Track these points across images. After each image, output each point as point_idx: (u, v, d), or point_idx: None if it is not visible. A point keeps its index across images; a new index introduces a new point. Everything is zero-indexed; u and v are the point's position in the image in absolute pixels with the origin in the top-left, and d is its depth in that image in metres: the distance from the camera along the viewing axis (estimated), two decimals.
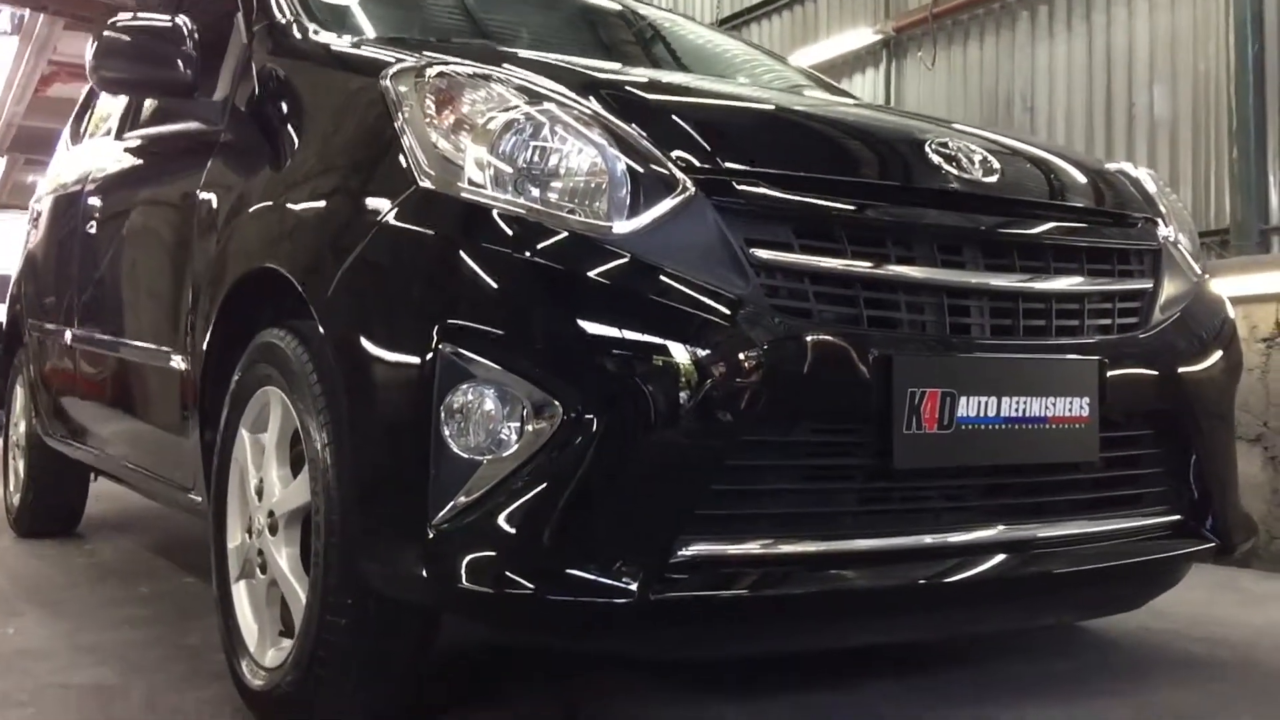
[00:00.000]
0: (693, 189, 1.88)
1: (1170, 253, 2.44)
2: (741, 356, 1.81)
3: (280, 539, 2.12)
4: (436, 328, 1.78)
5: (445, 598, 1.80)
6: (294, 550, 2.10)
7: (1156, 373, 2.29)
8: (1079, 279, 2.21)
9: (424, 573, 1.77)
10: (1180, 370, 2.33)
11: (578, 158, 1.88)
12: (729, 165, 1.92)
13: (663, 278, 1.81)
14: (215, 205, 2.54)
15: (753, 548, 1.85)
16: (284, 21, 2.60)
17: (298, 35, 2.55)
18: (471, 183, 1.87)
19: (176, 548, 4.11)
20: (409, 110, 1.96)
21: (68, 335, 3.74)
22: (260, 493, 2.20)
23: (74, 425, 3.80)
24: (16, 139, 18.15)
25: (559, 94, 1.97)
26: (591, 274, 1.80)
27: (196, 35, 2.67)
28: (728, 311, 1.82)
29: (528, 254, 1.80)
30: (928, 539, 2.01)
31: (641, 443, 1.78)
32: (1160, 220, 2.47)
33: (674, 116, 2.00)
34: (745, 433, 1.84)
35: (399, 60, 2.11)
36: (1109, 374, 2.17)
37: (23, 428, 4.52)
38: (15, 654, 2.74)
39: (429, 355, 1.77)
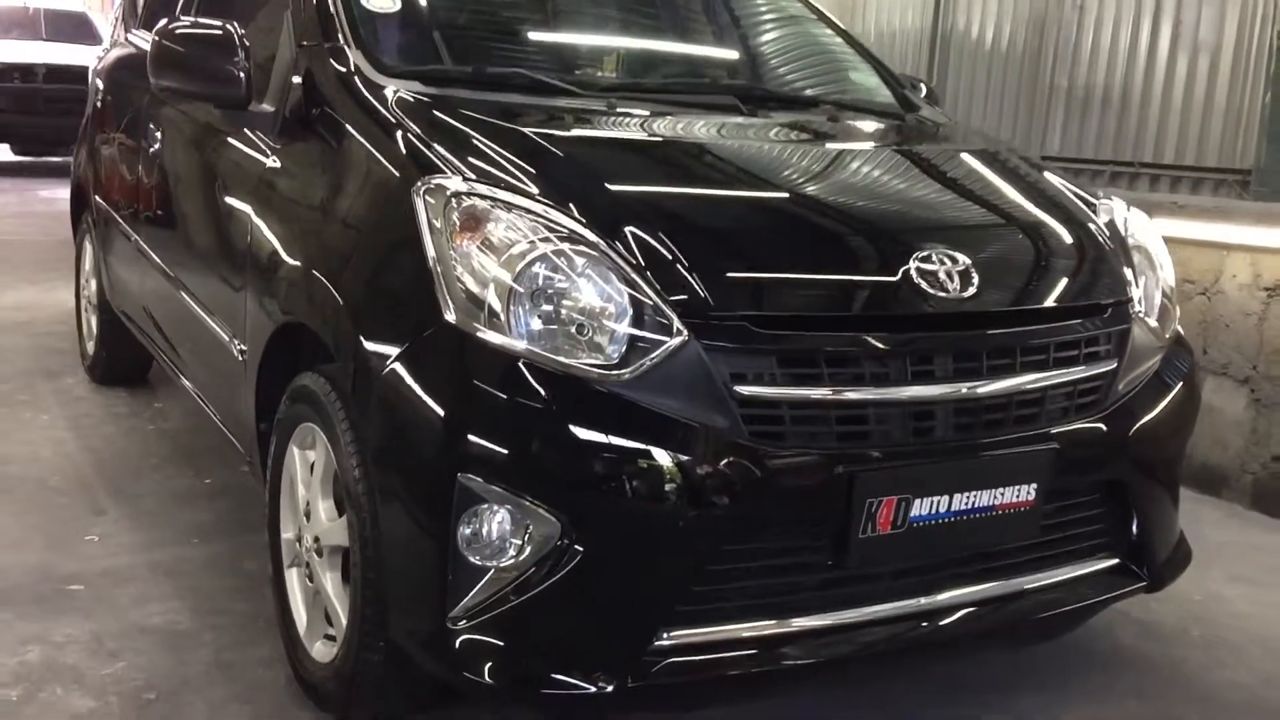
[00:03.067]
0: (686, 335, 2.10)
1: (1138, 328, 2.61)
2: (720, 484, 2.08)
3: (325, 563, 2.47)
4: (455, 455, 2.07)
5: (454, 679, 2.16)
6: (337, 575, 2.46)
7: (1107, 449, 2.52)
8: (1043, 374, 2.41)
9: (437, 657, 2.14)
10: (1131, 442, 2.55)
11: (592, 299, 2.10)
12: (720, 311, 2.13)
13: (653, 419, 2.07)
14: (269, 224, 2.75)
15: (721, 631, 2.18)
16: (329, 47, 2.74)
17: (341, 68, 2.69)
18: (491, 313, 2.09)
19: None
20: (438, 237, 2.17)
21: (134, 238, 4.02)
22: (308, 514, 2.54)
23: (138, 313, 4.12)
24: None
25: (578, 234, 2.15)
26: (592, 416, 2.06)
27: (248, 42, 2.82)
28: (709, 446, 2.08)
29: (538, 396, 2.05)
30: (877, 610, 2.33)
31: (630, 560, 2.09)
32: (1132, 293, 2.63)
33: (680, 252, 2.17)
34: (722, 544, 2.14)
35: (432, 172, 2.28)
36: (1059, 458, 2.41)
37: (93, 285, 4.86)
38: (101, 575, 3.18)
39: (449, 478, 2.06)
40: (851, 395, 2.19)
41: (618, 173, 2.43)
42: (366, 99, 2.59)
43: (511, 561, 2.07)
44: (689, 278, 2.15)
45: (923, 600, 2.39)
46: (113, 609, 3.00)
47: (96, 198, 4.60)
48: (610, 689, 2.10)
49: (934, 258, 2.34)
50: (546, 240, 2.14)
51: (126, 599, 3.06)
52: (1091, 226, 2.73)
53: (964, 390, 2.30)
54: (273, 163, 2.82)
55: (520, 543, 2.07)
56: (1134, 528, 2.64)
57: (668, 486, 2.07)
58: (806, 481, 2.17)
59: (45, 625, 2.88)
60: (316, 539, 2.50)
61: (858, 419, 2.21)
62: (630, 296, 2.11)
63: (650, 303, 2.11)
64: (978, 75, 5.53)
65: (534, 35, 3.18)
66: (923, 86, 3.74)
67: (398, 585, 2.20)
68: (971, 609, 2.44)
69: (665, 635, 2.14)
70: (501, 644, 2.10)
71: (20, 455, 4.10)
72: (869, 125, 3.14)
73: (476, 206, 2.19)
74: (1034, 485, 2.39)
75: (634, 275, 2.13)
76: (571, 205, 2.22)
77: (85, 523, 3.53)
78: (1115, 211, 2.87)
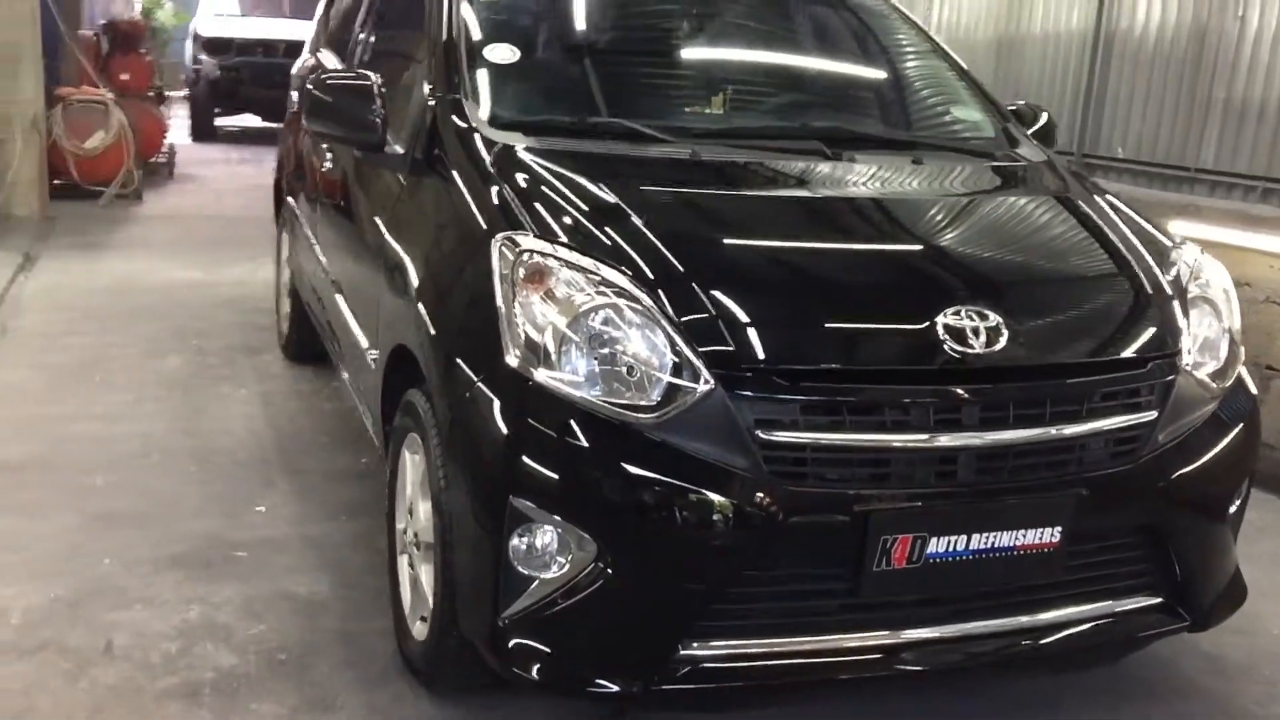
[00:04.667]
0: (713, 384, 2.36)
1: (1185, 380, 2.70)
2: (739, 518, 2.35)
3: (421, 557, 2.86)
4: (509, 479, 2.40)
5: (506, 671, 2.50)
6: (430, 568, 2.84)
7: (1141, 496, 2.64)
8: (1073, 425, 2.54)
9: (493, 653, 2.48)
10: (1170, 489, 2.66)
11: (636, 349, 2.39)
12: (746, 363, 2.38)
13: (680, 458, 2.34)
14: (395, 252, 3.13)
15: (740, 646, 2.45)
16: (451, 99, 3.09)
17: (458, 119, 3.04)
18: (546, 358, 2.40)
19: None
20: (506, 286, 2.49)
21: (310, 239, 4.52)
22: (412, 512, 2.93)
23: (314, 304, 4.62)
24: None
25: (627, 290, 2.44)
26: (628, 453, 2.35)
27: (384, 91, 3.20)
28: (731, 484, 2.34)
29: (583, 435, 2.36)
30: (897, 635, 2.54)
31: (661, 574, 2.39)
32: (1182, 344, 2.72)
33: (715, 308, 2.43)
34: (742, 569, 2.41)
35: (512, 226, 2.61)
36: (1087, 504, 2.55)
37: (287, 273, 5.43)
38: (261, 544, 3.68)
39: (503, 499, 2.40)
40: (869, 442, 2.40)
41: (673, 230, 2.68)
42: (475, 150, 2.94)
43: (554, 575, 2.40)
44: (720, 331, 2.41)
45: (946, 629, 2.59)
46: (267, 576, 3.48)
47: (288, 197, 5.14)
48: (638, 690, 2.40)
49: (963, 314, 2.51)
50: (601, 294, 2.43)
51: (279, 567, 3.54)
52: (1146, 280, 2.82)
53: (985, 439, 2.47)
54: (402, 197, 3.20)
55: (563, 560, 2.39)
56: (1176, 571, 2.75)
57: (692, 519, 2.35)
58: (823, 518, 2.40)
59: (209, 587, 3.39)
60: (416, 534, 2.88)
61: (875, 463, 2.42)
62: (668, 348, 2.39)
63: (683, 354, 2.38)
64: (1138, 81, 5.46)
65: (637, 84, 3.45)
66: (1043, 116, 3.80)
67: (464, 585, 2.56)
68: (995, 639, 2.63)
69: (690, 646, 2.42)
70: (546, 647, 2.43)
71: (215, 429, 4.69)
72: (948, 170, 3.28)
73: (541, 262, 2.50)
74: (1058, 528, 2.54)
75: (670, 329, 2.40)
76: (625, 264, 2.50)
77: (257, 495, 4.06)
78: (1184, 260, 2.95)
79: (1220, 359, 2.85)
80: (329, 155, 4.17)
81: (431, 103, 3.16)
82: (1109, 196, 3.24)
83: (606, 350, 2.40)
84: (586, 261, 2.50)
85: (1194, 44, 5.13)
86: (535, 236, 2.57)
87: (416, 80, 3.33)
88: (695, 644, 2.43)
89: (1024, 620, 2.64)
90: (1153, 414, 2.65)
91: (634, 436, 2.36)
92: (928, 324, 2.49)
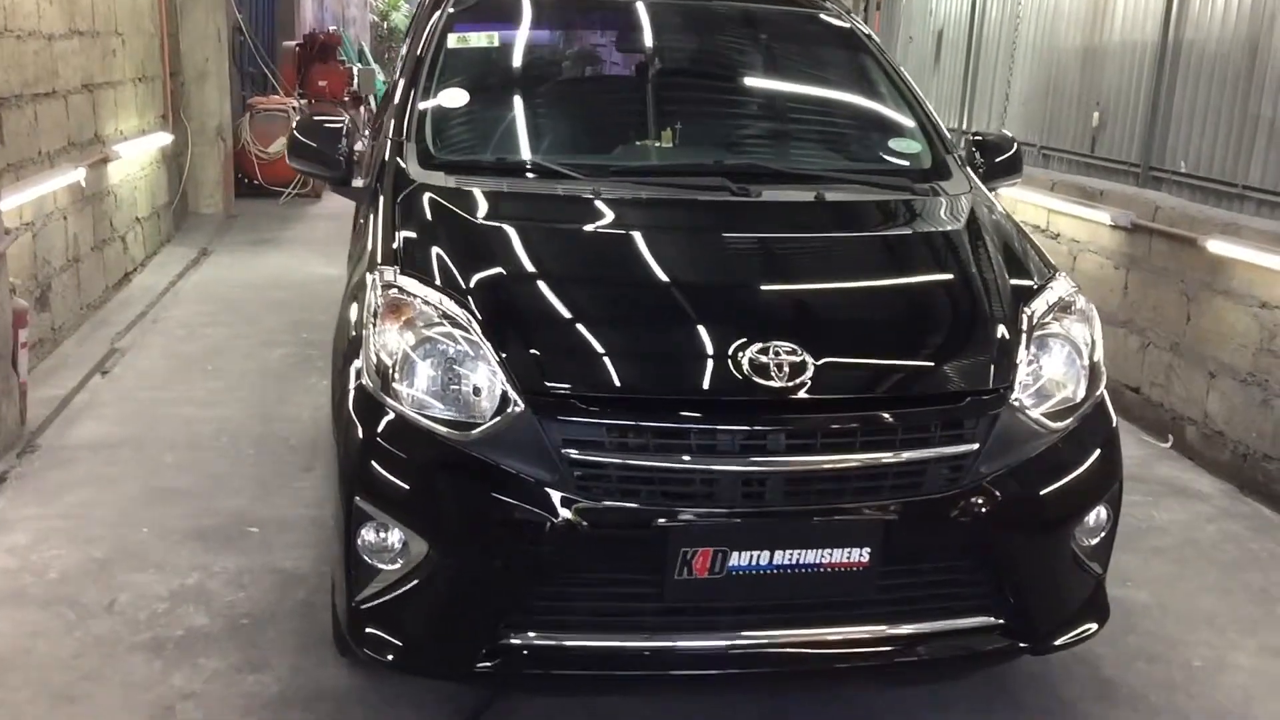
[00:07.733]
0: (524, 407, 2.67)
1: (1013, 416, 2.81)
2: (547, 526, 2.64)
3: None
4: (354, 482, 2.79)
5: (362, 654, 2.87)
6: None
7: (960, 523, 2.76)
8: (879, 453, 2.69)
9: (350, 634, 2.88)
10: (993, 517, 2.77)
11: (464, 377, 2.73)
12: (555, 392, 2.66)
13: (494, 471, 2.66)
14: (346, 275, 3.59)
15: (557, 638, 2.75)
16: (396, 141, 3.50)
17: (396, 158, 3.44)
18: (389, 380, 2.77)
19: None
20: (370, 312, 2.88)
21: None
22: None
23: None
24: None
25: (464, 324, 2.77)
26: (449, 465, 2.70)
27: (352, 135, 3.64)
28: (539, 495, 2.64)
29: (413, 448, 2.73)
30: (707, 640, 2.78)
31: (479, 573, 2.73)
32: (1014, 380, 2.83)
33: (535, 341, 2.74)
34: (551, 571, 2.72)
35: (389, 261, 2.99)
36: (899, 527, 2.72)
37: None
38: (274, 523, 4.20)
39: (350, 498, 2.79)
40: (665, 463, 2.65)
41: (524, 268, 3.02)
42: (397, 187, 3.34)
43: (394, 567, 2.77)
44: (538, 363, 2.71)
45: (767, 635, 2.80)
46: (266, 551, 4.00)
47: None
48: (465, 671, 2.76)
49: (770, 350, 2.73)
50: (442, 327, 2.79)
51: (280, 544, 4.05)
52: (991, 318, 2.94)
53: (790, 466, 2.67)
54: (359, 225, 3.64)
55: (401, 556, 2.76)
56: (1010, 595, 2.87)
57: (504, 524, 2.67)
58: (625, 530, 2.68)
59: (215, 558, 3.93)
60: None
61: (675, 482, 2.67)
62: (491, 376, 2.71)
63: (505, 383, 2.70)
64: (1199, 96, 5.31)
65: (563, 124, 3.76)
66: (1013, 147, 3.87)
67: (335, 571, 2.98)
68: (818, 648, 2.81)
69: (512, 637, 2.74)
70: (395, 635, 2.80)
71: (287, 415, 5.29)
72: (843, 206, 3.43)
73: (398, 296, 2.87)
74: (867, 549, 2.72)
75: (494, 360, 2.72)
76: (469, 300, 2.84)
77: (292, 478, 4.60)
78: (1049, 298, 3.04)
79: (1074, 394, 2.93)
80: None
81: (386, 143, 3.58)
82: (1008, 230, 3.34)
83: (439, 376, 2.76)
84: (435, 297, 2.86)
85: (1246, 60, 5.00)
86: (403, 271, 2.95)
87: (389, 120, 3.76)
88: (516, 635, 2.75)
89: (847, 632, 2.83)
90: (973, 446, 2.76)
91: (456, 452, 2.71)
92: (727, 357, 2.72)
